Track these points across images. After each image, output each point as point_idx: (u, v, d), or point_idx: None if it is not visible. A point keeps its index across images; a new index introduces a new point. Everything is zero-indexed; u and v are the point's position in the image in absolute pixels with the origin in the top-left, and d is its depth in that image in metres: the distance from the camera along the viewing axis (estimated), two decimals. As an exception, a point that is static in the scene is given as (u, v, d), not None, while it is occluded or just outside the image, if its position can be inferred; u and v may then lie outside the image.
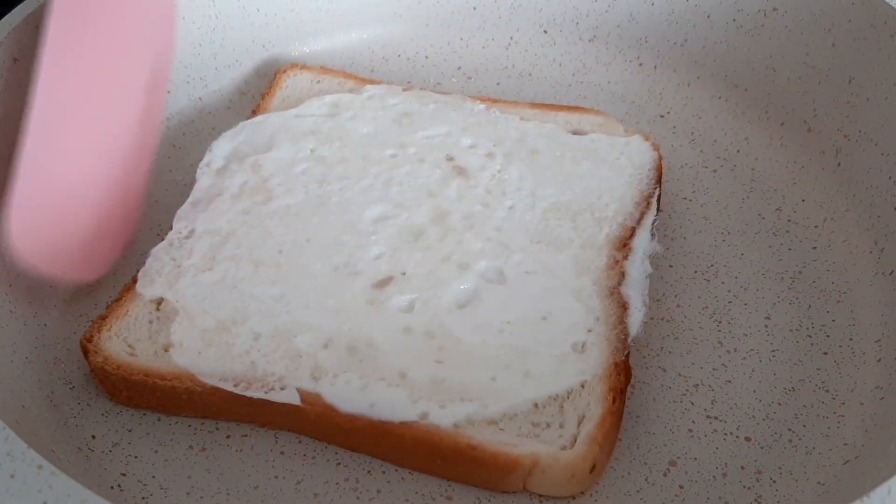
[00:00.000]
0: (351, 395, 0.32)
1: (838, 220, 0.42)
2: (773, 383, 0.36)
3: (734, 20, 0.49)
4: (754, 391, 0.36)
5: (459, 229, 0.38)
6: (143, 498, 0.33)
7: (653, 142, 0.43)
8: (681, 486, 0.33)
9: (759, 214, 0.43)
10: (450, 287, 0.36)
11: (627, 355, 0.34)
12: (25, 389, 0.34)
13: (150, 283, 0.36)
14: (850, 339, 0.38)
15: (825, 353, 0.37)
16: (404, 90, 0.46)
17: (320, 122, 0.43)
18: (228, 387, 0.33)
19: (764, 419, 0.35)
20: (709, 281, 0.40)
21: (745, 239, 0.42)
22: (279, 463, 0.34)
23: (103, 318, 0.36)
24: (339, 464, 0.34)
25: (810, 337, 0.38)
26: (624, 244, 0.38)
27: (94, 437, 0.34)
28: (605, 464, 0.33)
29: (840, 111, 0.44)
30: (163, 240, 0.42)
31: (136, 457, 0.34)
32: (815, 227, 0.42)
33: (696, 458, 0.34)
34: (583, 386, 0.33)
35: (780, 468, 0.33)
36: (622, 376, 0.33)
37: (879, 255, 0.40)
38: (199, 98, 0.50)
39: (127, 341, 0.35)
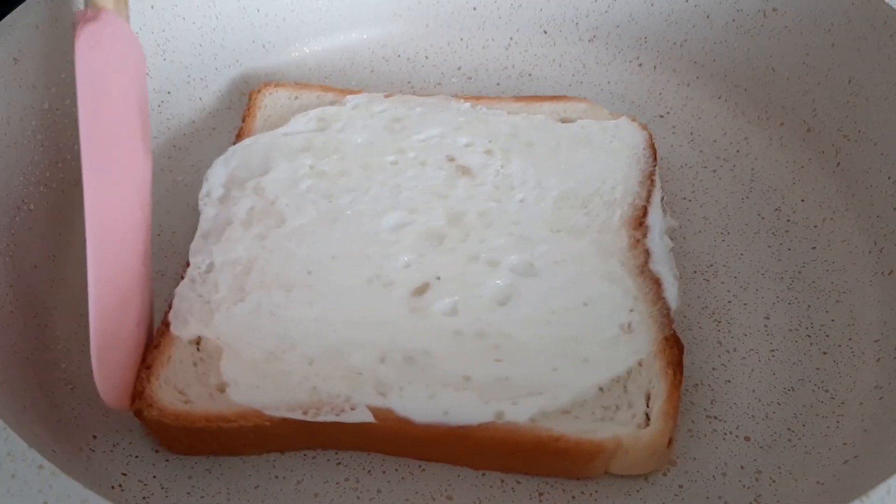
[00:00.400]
0: (422, 405, 0.32)
1: (838, 219, 0.42)
2: (773, 383, 0.36)
3: (734, 20, 0.49)
4: (754, 391, 0.36)
5: (478, 228, 0.38)
6: (143, 498, 0.33)
7: (639, 122, 0.44)
8: (680, 486, 0.33)
9: (759, 214, 0.43)
10: (486, 285, 0.36)
11: (674, 329, 0.35)
12: (26, 389, 0.34)
13: (184, 324, 0.35)
14: (850, 339, 0.38)
15: (824, 353, 0.37)
16: (386, 96, 0.45)
17: (311, 138, 0.43)
18: (298, 415, 0.32)
19: (763, 419, 0.35)
20: (708, 281, 0.41)
21: (745, 239, 0.42)
22: (279, 463, 0.34)
23: (147, 367, 0.34)
24: (339, 464, 0.34)
25: (809, 337, 0.38)
26: (639, 223, 0.39)
27: (94, 436, 0.34)
28: (675, 436, 0.33)
29: (840, 111, 0.44)
30: (163, 239, 0.42)
31: (136, 456, 0.34)
32: (815, 226, 0.42)
33: (695, 458, 0.34)
34: (640, 364, 0.34)
35: (779, 468, 0.34)
36: (675, 349, 0.34)
37: (879, 255, 0.40)
38: (200, 98, 0.50)
39: (177, 388, 0.33)
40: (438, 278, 0.36)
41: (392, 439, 0.33)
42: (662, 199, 0.40)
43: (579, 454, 0.32)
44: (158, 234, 0.43)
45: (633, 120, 0.44)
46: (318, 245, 0.38)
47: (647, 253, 0.37)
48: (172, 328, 0.35)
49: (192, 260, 0.37)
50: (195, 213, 0.44)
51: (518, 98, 0.46)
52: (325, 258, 0.37)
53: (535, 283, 0.36)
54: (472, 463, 0.34)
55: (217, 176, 0.41)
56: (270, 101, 0.46)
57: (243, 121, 0.45)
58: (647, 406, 0.33)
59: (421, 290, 0.36)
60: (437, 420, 0.32)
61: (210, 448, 0.33)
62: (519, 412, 0.32)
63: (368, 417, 0.32)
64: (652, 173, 0.41)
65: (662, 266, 0.37)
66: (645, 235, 0.38)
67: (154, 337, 0.35)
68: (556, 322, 0.35)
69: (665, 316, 0.35)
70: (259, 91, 0.47)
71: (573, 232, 0.38)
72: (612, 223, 0.39)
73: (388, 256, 0.37)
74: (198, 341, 0.35)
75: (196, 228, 0.43)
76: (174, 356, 0.34)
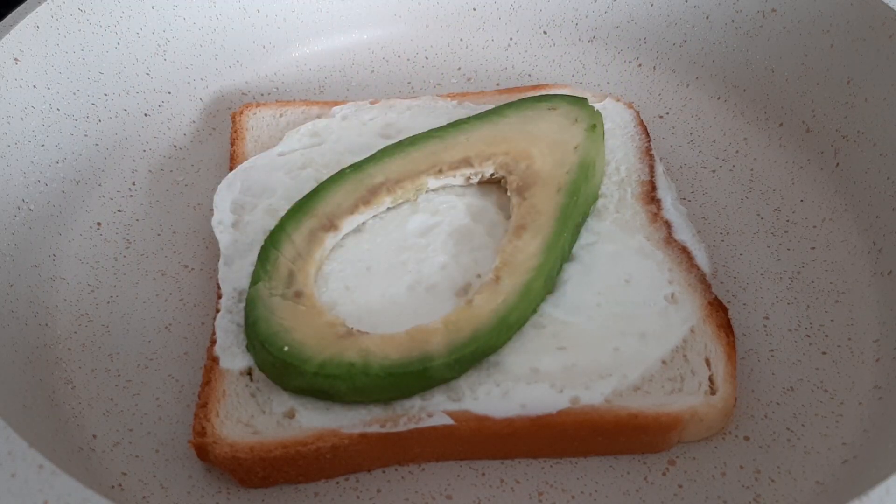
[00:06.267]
0: (497, 403, 0.32)
1: (837, 220, 0.42)
2: (772, 383, 0.36)
3: (733, 21, 0.49)
4: (753, 391, 0.36)
5: (503, 221, 0.38)
6: (143, 497, 0.33)
7: (624, 101, 0.45)
8: (679, 486, 0.33)
9: (758, 215, 0.43)
10: None
11: (714, 293, 0.36)
12: (26, 389, 0.34)
13: (233, 357, 0.34)
14: (849, 339, 0.38)
15: (823, 353, 0.37)
16: (372, 103, 0.45)
17: (308, 154, 0.42)
18: (376, 429, 0.31)
19: (763, 419, 0.35)
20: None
21: (744, 239, 0.42)
22: (279, 462, 0.34)
23: (203, 405, 0.33)
24: (339, 463, 0.34)
25: (809, 337, 0.38)
26: (651, 198, 0.40)
27: (94, 436, 0.34)
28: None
29: (838, 112, 0.44)
30: (163, 238, 0.42)
31: (136, 456, 0.34)
32: (814, 227, 0.42)
33: (694, 458, 0.34)
34: (692, 331, 0.35)
35: (778, 468, 0.34)
36: (720, 312, 0.36)
37: (878, 255, 0.40)
38: (200, 98, 0.50)
39: (241, 421, 0.32)
40: (479, 276, 0.36)
41: (473, 440, 0.33)
42: (663, 171, 0.42)
43: (658, 428, 0.32)
44: (158, 234, 0.43)
45: (618, 100, 0.45)
46: (348, 260, 0.37)
47: (667, 225, 0.39)
48: (222, 363, 0.34)
49: (222, 289, 0.37)
50: (195, 213, 0.44)
51: (500, 91, 0.47)
52: (360, 271, 0.37)
53: (574, 267, 0.37)
54: (552, 452, 0.34)
55: (224, 202, 0.40)
56: (255, 122, 0.45)
57: (232, 144, 0.44)
58: (709, 370, 0.34)
59: (465, 290, 0.36)
60: (516, 414, 0.32)
61: (286, 476, 0.33)
62: (593, 395, 0.32)
63: (447, 420, 0.32)
64: (649, 148, 0.43)
65: (685, 234, 0.38)
66: (660, 209, 0.39)
67: (203, 373, 0.34)
68: (606, 302, 0.35)
69: (703, 282, 0.36)
70: (241, 113, 0.46)
71: (594, 214, 0.39)
72: (626, 202, 0.40)
73: (423, 261, 0.37)
74: (249, 371, 0.34)
75: (197, 229, 0.43)
76: (228, 390, 0.33)
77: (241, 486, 0.33)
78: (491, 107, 0.44)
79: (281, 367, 0.32)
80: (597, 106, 0.45)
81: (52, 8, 0.43)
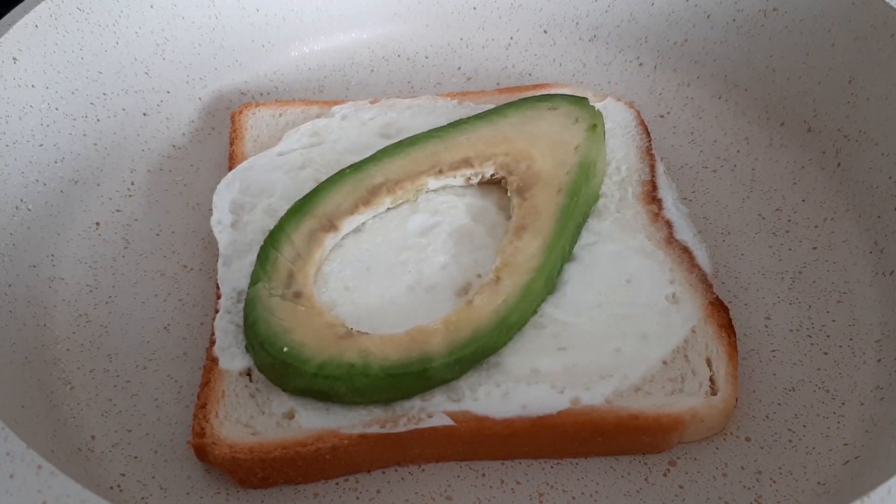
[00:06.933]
0: (498, 403, 0.32)
1: (838, 220, 0.42)
2: (773, 383, 0.36)
3: (734, 20, 0.49)
4: (754, 391, 0.36)
5: (503, 221, 0.38)
6: (142, 498, 0.33)
7: (625, 101, 0.45)
8: (681, 487, 0.33)
9: (759, 214, 0.43)
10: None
11: (715, 293, 0.36)
12: (25, 390, 0.34)
13: (233, 357, 0.34)
14: (850, 340, 0.38)
15: (825, 353, 0.37)
16: (371, 103, 0.45)
17: (308, 154, 0.42)
18: (376, 430, 0.31)
19: (764, 419, 0.35)
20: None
21: (745, 239, 0.42)
22: (279, 463, 0.34)
23: (203, 405, 0.33)
24: (338, 464, 0.34)
25: (810, 337, 0.38)
26: (652, 198, 0.40)
27: (93, 437, 0.34)
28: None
29: (840, 111, 0.44)
30: (162, 238, 0.42)
31: (135, 457, 0.34)
32: (816, 227, 0.42)
33: (695, 459, 0.34)
34: (693, 331, 0.35)
35: (779, 468, 0.33)
36: (721, 312, 0.36)
37: (879, 255, 0.40)
38: (199, 98, 0.50)
39: (241, 421, 0.32)
40: (479, 276, 0.36)
41: (474, 440, 0.33)
42: (664, 170, 0.41)
43: (659, 429, 0.32)
44: (157, 234, 0.43)
45: (619, 100, 0.45)
46: (348, 260, 0.37)
47: (668, 225, 0.39)
48: (221, 363, 0.34)
49: (221, 290, 0.36)
50: (194, 213, 0.44)
51: (501, 90, 0.47)
52: (360, 272, 0.37)
53: (575, 267, 0.37)
54: (552, 453, 0.34)
55: (223, 202, 0.40)
56: (255, 122, 0.45)
57: (231, 144, 0.44)
58: (710, 370, 0.34)
59: (465, 290, 0.36)
60: (516, 414, 0.32)
61: (285, 476, 0.33)
62: (594, 396, 0.32)
63: (447, 421, 0.32)
64: (649, 148, 0.43)
65: (686, 234, 0.38)
66: (661, 208, 0.39)
67: (202, 374, 0.34)
68: (607, 303, 0.35)
69: (704, 282, 0.36)
70: (240, 112, 0.46)
71: (595, 213, 0.39)
72: (627, 201, 0.40)
73: (423, 260, 0.37)
74: (248, 372, 0.34)
75: (196, 229, 0.43)
76: (228, 390, 0.33)
77: (241, 486, 0.33)
78: (491, 106, 0.44)
79: (280, 368, 0.32)
80: (597, 105, 0.45)
81: (50, 7, 0.43)
